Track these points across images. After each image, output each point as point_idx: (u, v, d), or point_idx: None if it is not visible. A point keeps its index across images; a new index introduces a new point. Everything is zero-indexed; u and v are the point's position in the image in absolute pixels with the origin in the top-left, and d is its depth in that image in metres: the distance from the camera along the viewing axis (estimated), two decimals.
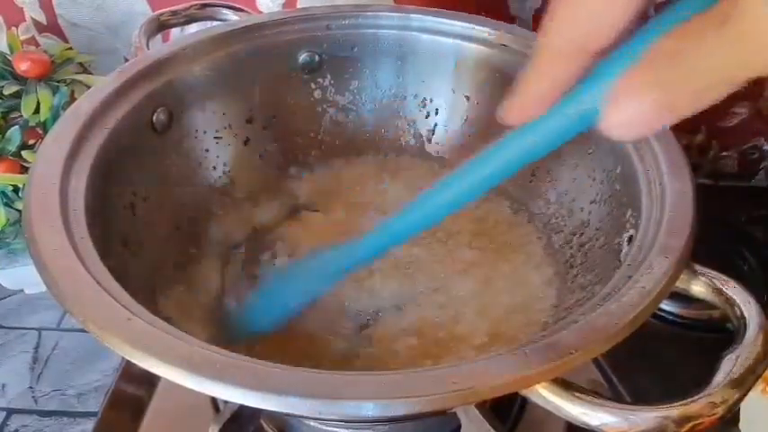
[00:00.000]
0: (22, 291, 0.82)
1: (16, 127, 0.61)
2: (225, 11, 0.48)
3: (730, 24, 0.14)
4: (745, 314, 0.27)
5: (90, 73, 0.66)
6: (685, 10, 0.16)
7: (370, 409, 0.22)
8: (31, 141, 0.62)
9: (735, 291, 0.28)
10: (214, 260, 0.42)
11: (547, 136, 0.21)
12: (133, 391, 0.44)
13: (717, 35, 0.15)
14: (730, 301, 0.28)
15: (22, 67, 0.61)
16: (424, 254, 0.42)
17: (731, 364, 0.25)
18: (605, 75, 0.18)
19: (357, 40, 0.47)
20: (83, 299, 0.26)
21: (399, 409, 0.22)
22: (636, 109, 0.17)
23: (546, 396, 0.24)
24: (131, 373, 0.45)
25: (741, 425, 0.40)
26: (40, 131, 0.62)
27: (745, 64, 0.15)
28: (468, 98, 0.47)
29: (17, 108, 0.60)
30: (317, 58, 0.47)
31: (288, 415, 0.37)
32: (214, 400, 0.41)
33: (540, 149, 0.22)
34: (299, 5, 0.59)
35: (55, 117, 0.60)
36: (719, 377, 0.24)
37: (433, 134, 0.49)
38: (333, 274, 0.35)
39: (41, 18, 0.63)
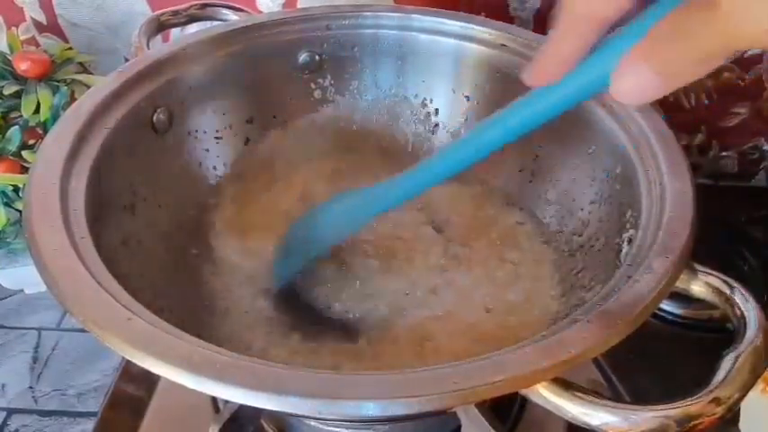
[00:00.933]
0: (22, 291, 0.82)
1: (16, 127, 0.61)
2: (225, 11, 0.48)
3: (714, 8, 0.17)
4: (745, 314, 0.27)
5: (90, 73, 0.65)
6: None
7: (370, 409, 0.22)
8: (31, 141, 0.62)
9: (735, 291, 0.28)
10: (214, 260, 0.42)
11: (564, 96, 0.24)
12: (133, 391, 0.44)
13: (704, 17, 0.17)
14: (730, 301, 0.28)
15: (22, 67, 0.61)
16: (422, 253, 0.42)
17: (731, 364, 0.25)
18: (616, 47, 0.20)
19: (357, 40, 0.47)
20: (83, 299, 0.26)
21: (399, 409, 0.22)
22: (639, 78, 0.19)
23: (546, 396, 0.24)
24: (131, 373, 0.45)
25: (741, 425, 0.40)
26: (40, 131, 0.62)
27: (728, 43, 0.17)
28: (468, 98, 0.47)
29: (17, 108, 0.60)
30: (317, 58, 0.47)
31: (288, 415, 0.37)
32: (214, 400, 0.41)
33: (559, 107, 0.24)
34: (299, 5, 0.59)
35: (55, 117, 0.60)
36: (719, 377, 0.24)
37: (433, 134, 0.49)
38: (362, 216, 0.36)
39: (41, 18, 0.63)
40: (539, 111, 0.25)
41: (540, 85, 0.24)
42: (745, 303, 0.27)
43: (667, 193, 0.31)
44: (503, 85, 0.45)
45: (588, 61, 0.22)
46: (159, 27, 0.45)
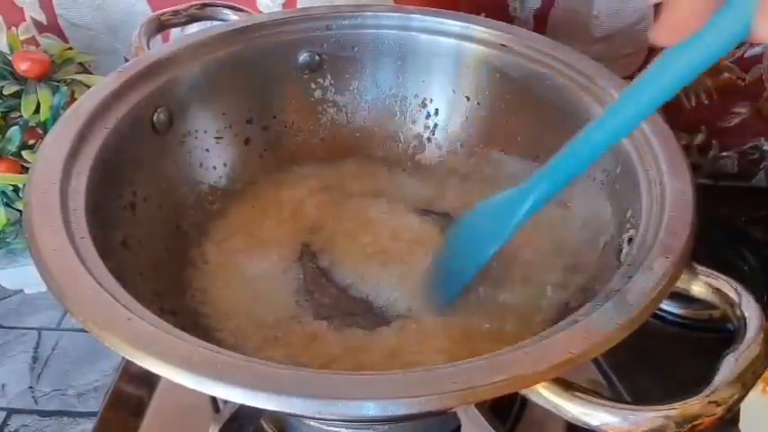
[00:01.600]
0: (22, 291, 0.82)
1: (16, 127, 0.60)
2: (225, 11, 0.48)
3: None
4: (745, 314, 0.27)
5: (90, 73, 0.65)
6: None
7: (370, 408, 0.22)
8: (31, 141, 0.62)
9: (735, 291, 0.28)
10: (215, 260, 0.42)
11: (706, 51, 0.21)
12: (133, 391, 0.44)
13: None
14: (730, 301, 0.28)
15: (22, 67, 0.60)
16: (422, 253, 0.42)
17: (731, 364, 0.25)
18: None
19: (357, 40, 0.47)
20: (83, 299, 0.26)
21: (399, 409, 0.22)
22: None
23: (546, 396, 0.24)
24: (131, 373, 0.45)
25: (741, 425, 0.40)
26: (40, 131, 0.62)
27: None
28: (468, 98, 0.47)
29: (17, 108, 0.60)
30: (317, 58, 0.47)
31: (288, 415, 0.37)
32: (214, 400, 0.41)
33: (701, 65, 0.22)
34: (299, 5, 0.59)
35: (55, 117, 0.60)
36: (719, 377, 0.24)
37: (433, 134, 0.49)
38: (516, 218, 0.32)
39: (41, 18, 0.63)
40: (679, 71, 0.23)
41: (672, 43, 0.22)
42: (745, 303, 0.27)
43: (667, 193, 0.31)
44: (503, 85, 0.45)
45: (726, 6, 0.20)
46: (159, 27, 0.45)
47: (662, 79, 0.23)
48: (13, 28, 0.64)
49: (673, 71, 0.23)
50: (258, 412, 0.37)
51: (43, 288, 0.26)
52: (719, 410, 0.23)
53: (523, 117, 0.45)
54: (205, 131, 0.44)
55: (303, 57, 0.47)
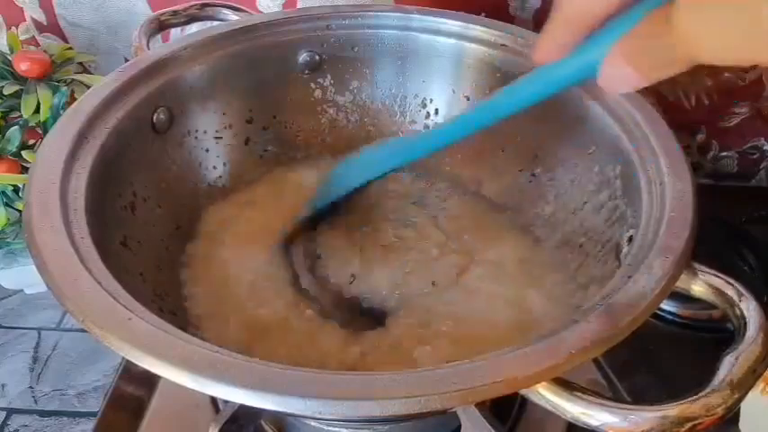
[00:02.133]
0: (22, 291, 0.82)
1: (16, 127, 0.61)
2: (225, 11, 0.48)
3: (671, 23, 0.19)
4: (745, 314, 0.27)
5: (90, 73, 0.65)
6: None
7: (370, 408, 0.22)
8: (31, 141, 0.62)
9: (735, 291, 0.28)
10: (215, 260, 0.42)
11: (560, 76, 0.26)
12: (133, 391, 0.44)
13: (668, 28, 0.19)
14: (730, 301, 0.28)
15: (22, 67, 0.60)
16: (423, 251, 0.42)
17: (731, 364, 0.25)
18: (605, 39, 0.23)
19: (357, 40, 0.47)
20: (83, 299, 0.26)
21: (399, 409, 0.22)
22: (621, 72, 0.22)
23: (546, 396, 0.24)
24: (131, 373, 0.45)
25: (741, 425, 0.40)
26: (40, 131, 0.62)
27: (689, 53, 0.19)
28: (468, 98, 0.47)
29: (17, 108, 0.60)
30: (317, 58, 0.47)
31: (288, 415, 0.38)
32: (214, 400, 0.41)
33: (555, 86, 0.27)
34: (299, 5, 0.59)
35: (55, 117, 0.60)
36: (719, 377, 0.24)
37: None
38: (379, 166, 0.39)
39: (41, 18, 0.63)
40: (539, 86, 0.28)
41: (541, 63, 0.26)
42: (745, 303, 0.27)
43: (667, 192, 0.31)
44: (503, 85, 0.44)
45: (580, 50, 0.24)
46: (159, 27, 0.45)
47: (528, 88, 0.29)
48: (13, 28, 0.64)
49: (537, 84, 0.28)
50: (258, 412, 0.37)
51: (43, 288, 0.26)
52: (719, 410, 0.23)
53: (523, 117, 0.45)
54: (205, 131, 0.44)
55: (303, 57, 0.47)
